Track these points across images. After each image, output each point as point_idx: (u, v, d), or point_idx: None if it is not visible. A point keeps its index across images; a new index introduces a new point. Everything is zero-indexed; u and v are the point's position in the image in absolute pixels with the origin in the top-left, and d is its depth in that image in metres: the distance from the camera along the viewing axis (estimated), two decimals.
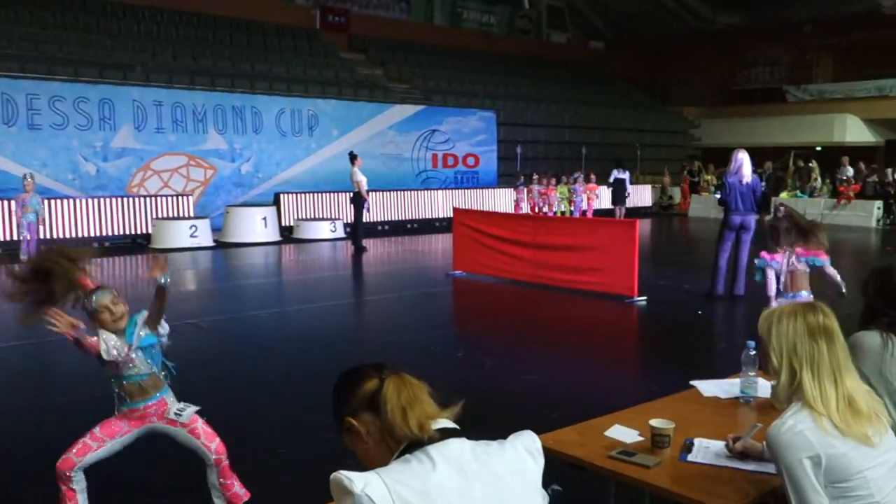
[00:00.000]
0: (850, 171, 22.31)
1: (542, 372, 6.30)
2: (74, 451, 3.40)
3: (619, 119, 29.65)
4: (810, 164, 25.10)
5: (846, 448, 2.07)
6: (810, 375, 2.12)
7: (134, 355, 3.37)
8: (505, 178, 24.40)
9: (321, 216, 17.75)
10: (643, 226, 19.76)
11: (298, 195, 18.19)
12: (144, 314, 3.45)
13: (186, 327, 7.91)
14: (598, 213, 21.04)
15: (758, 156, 19.58)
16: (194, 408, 3.53)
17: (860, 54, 29.93)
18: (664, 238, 18.65)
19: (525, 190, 20.46)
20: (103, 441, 3.42)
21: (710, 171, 26.15)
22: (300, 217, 17.45)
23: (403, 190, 20.32)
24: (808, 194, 22.59)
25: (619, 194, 21.03)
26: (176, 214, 16.16)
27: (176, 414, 3.47)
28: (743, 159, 9.44)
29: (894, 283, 2.65)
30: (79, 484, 3.42)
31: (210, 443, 3.50)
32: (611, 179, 21.22)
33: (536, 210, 20.24)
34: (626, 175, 21.27)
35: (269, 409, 5.44)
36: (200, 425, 3.52)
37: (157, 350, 3.48)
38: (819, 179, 22.92)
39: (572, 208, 20.66)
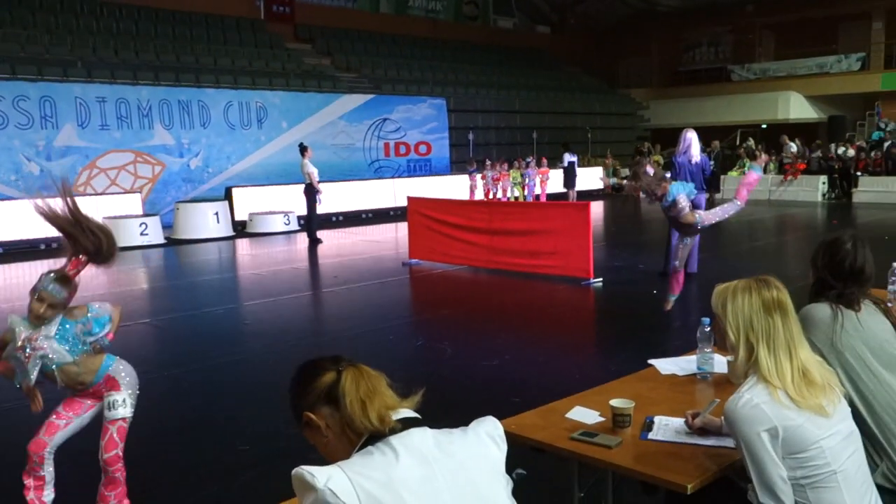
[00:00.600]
0: (794, 148, 22.81)
1: (503, 357, 6.33)
2: (43, 431, 3.43)
3: (568, 103, 29.84)
4: (747, 143, 25.62)
5: (802, 419, 2.11)
6: (766, 350, 2.15)
7: (45, 344, 3.30)
8: (458, 165, 24.37)
9: (274, 209, 17.54)
10: (596, 208, 19.98)
11: (250, 189, 17.95)
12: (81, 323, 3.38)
13: (140, 327, 7.76)
14: (551, 196, 21.18)
15: (706, 135, 19.93)
16: (123, 414, 3.44)
17: (801, 32, 30.56)
18: (618, 219, 18.86)
19: (478, 176, 20.49)
20: (70, 418, 3.46)
21: (657, 150, 26.49)
22: (253, 211, 17.22)
23: (356, 180, 20.19)
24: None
25: (570, 177, 21.20)
26: (125, 213, 15.82)
27: (108, 405, 3.41)
28: (692, 139, 9.57)
29: (841, 256, 2.70)
30: (48, 472, 3.41)
31: (107, 452, 3.43)
32: (564, 163, 21.38)
33: (490, 196, 20.28)
34: (574, 158, 21.44)
35: (227, 405, 5.36)
36: (114, 430, 3.44)
37: (76, 333, 3.38)
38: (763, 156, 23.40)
39: (525, 193, 20.75)
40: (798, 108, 30.08)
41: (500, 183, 20.56)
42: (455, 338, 7.04)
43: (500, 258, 10.41)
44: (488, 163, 20.77)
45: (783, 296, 2.21)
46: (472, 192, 20.35)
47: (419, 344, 6.91)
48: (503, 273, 10.35)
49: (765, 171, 22.82)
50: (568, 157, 21.20)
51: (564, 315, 8.02)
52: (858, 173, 21.05)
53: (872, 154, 21.54)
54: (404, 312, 8.43)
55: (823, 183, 21.46)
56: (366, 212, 19.58)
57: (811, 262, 2.75)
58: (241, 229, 16.71)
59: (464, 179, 21.22)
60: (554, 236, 9.78)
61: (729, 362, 3.02)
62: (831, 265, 2.69)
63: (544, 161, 21.51)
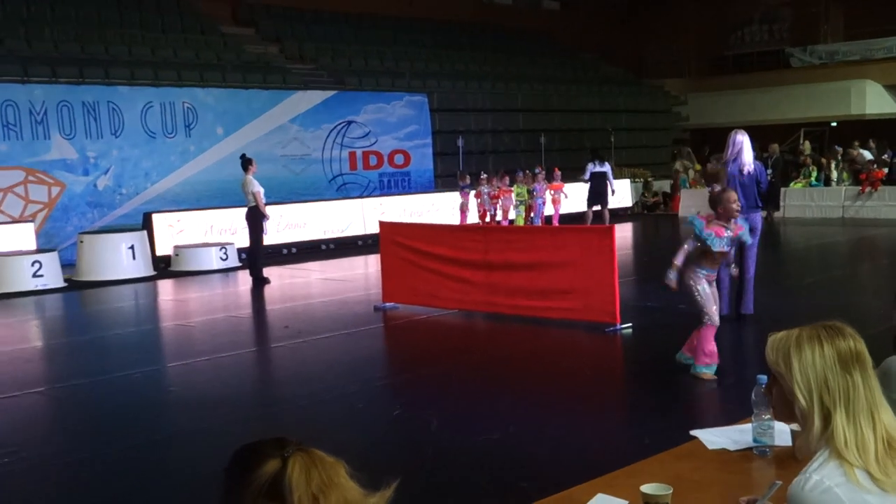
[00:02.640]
0: (868, 155, 23.09)
1: (506, 428, 6.32)
2: None
3: (584, 99, 30.18)
4: (801, 147, 25.89)
5: (884, 503, 2.11)
6: (844, 416, 2.15)
7: None
8: (445, 180, 24.46)
9: (208, 241, 17.53)
10: (623, 232, 20.13)
11: (176, 214, 17.96)
12: None
13: (32, 399, 7.69)
14: (565, 219, 21.29)
15: (760, 136, 20.15)
16: None
17: (879, 5, 31.02)
18: (650, 247, 18.94)
19: (471, 194, 20.59)
20: None
21: (704, 154, 26.72)
22: (180, 243, 17.20)
23: (314, 200, 20.25)
24: (825, 182, 23.26)
25: (597, 193, 21.06)
26: (12, 248, 15.76)
27: None
28: (742, 142, 9.68)
29: None
30: None
31: None
32: (586, 175, 21.33)
33: (487, 219, 20.37)
34: (606, 168, 21.30)
35: (146, 501, 5.31)
36: None
37: None
38: (834, 163, 23.65)
39: (533, 215, 20.86)
40: (876, 100, 30.50)
41: (500, 202, 20.67)
42: (443, 404, 7.02)
43: (500, 300, 10.42)
44: (484, 176, 20.90)
45: (861, 346, 2.21)
46: (463, 214, 20.45)
47: (397, 413, 6.89)
48: (505, 319, 10.35)
49: (837, 181, 23.06)
50: (593, 168, 21.15)
51: (583, 372, 8.03)
52: None
53: None
54: (377, 372, 8.40)
55: None
56: (326, 242, 19.60)
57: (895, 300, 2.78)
58: (163, 267, 16.68)
59: (453, 198, 21.31)
60: (570, 270, 9.82)
61: (794, 432, 3.02)
62: None
63: (557, 173, 21.65)
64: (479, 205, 20.54)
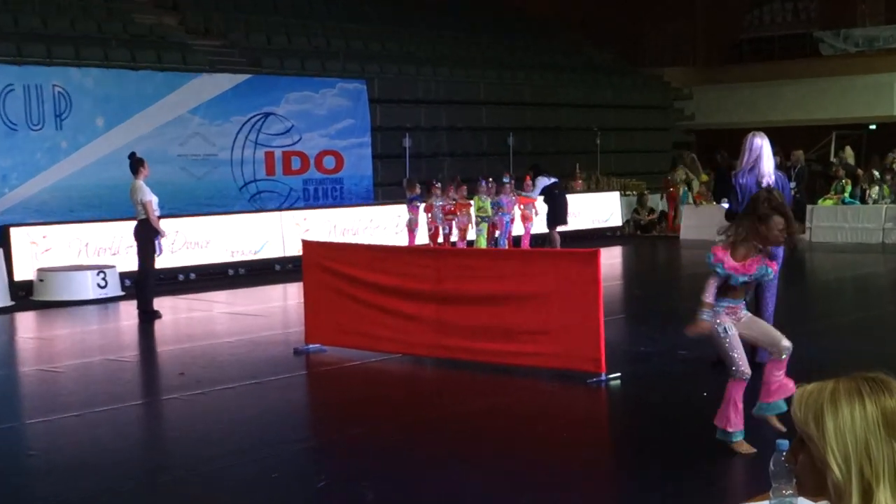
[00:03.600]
0: None
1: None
2: None
3: (564, 90, 30.42)
4: (841, 155, 26.27)
5: None
6: (889, 493, 2.14)
7: None
8: (387, 190, 24.44)
9: (81, 262, 17.31)
10: (610, 259, 20.25)
11: (41, 228, 17.72)
12: None
13: None
14: (538, 240, 21.36)
15: (783, 141, 20.37)
16: None
17: None
18: (645, 277, 19.05)
19: (421, 207, 20.58)
20: None
21: (722, 160, 26.93)
22: (45, 266, 16.97)
23: (220, 213, 20.13)
24: (861, 199, 23.62)
25: (559, 208, 21.18)
26: None
27: None
28: (762, 147, 9.77)
29: None
30: None
31: None
32: (536, 192, 21.16)
33: (440, 239, 20.36)
34: (552, 180, 21.31)
35: None
36: None
37: None
38: (875, 175, 24.03)
39: (498, 234, 20.89)
40: None
41: (457, 218, 20.67)
42: (382, 474, 6.97)
43: (454, 342, 10.39)
44: (437, 185, 20.90)
45: None
46: (411, 233, 20.41)
47: (321, 485, 6.84)
48: (460, 366, 10.32)
49: (877, 198, 23.41)
50: (546, 181, 21.25)
51: (559, 435, 8.02)
52: None
53: None
54: (297, 433, 8.35)
55: None
56: (235, 265, 19.47)
57: None
58: (23, 296, 16.44)
59: (397, 212, 21.29)
60: (544, 305, 9.81)
61: None
62: None
63: (528, 183, 21.72)
64: (431, 221, 20.52)
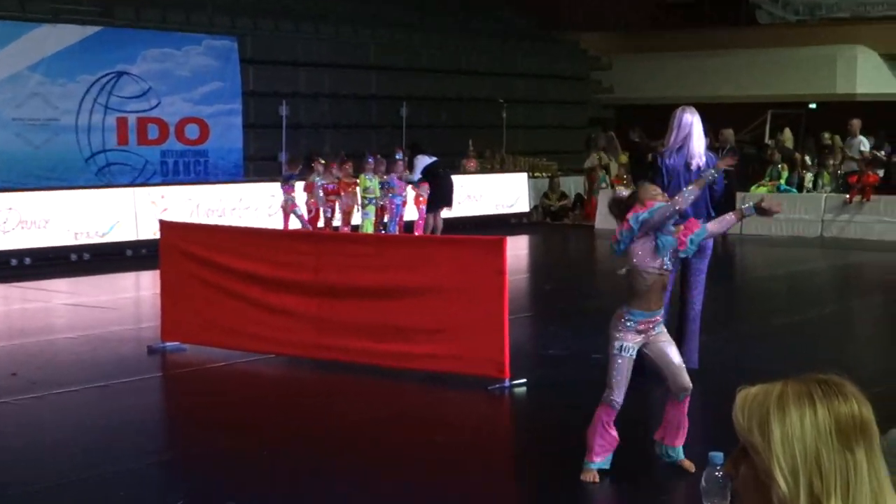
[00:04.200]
0: (866, 145, 23.96)
1: None
2: None
3: (466, 56, 30.47)
4: (778, 136, 26.70)
5: None
6: None
7: None
8: (259, 164, 24.27)
9: None
10: (517, 249, 20.34)
11: None
12: None
13: None
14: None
15: (712, 118, 20.50)
16: None
17: None
18: (555, 270, 19.19)
19: (299, 186, 20.44)
20: None
21: (636, 141, 27.23)
22: None
23: (62, 188, 19.82)
24: (798, 187, 24.05)
25: (442, 190, 21.18)
26: None
27: None
28: (692, 124, 9.86)
29: None
30: None
31: None
32: (416, 175, 21.10)
33: (321, 223, 20.26)
34: (431, 160, 21.31)
35: None
36: None
37: None
38: (807, 160, 24.48)
39: (387, 219, 20.86)
40: (871, 75, 31.65)
41: (341, 200, 20.59)
42: (249, 493, 6.93)
43: (336, 341, 10.35)
44: (320, 161, 20.79)
45: (867, 413, 2.22)
46: (286, 216, 20.28)
47: None
48: (343, 369, 10.30)
49: (813, 185, 23.86)
50: (426, 161, 21.24)
51: (455, 450, 8.04)
52: None
53: None
54: (151, 444, 8.27)
55: None
56: (79, 249, 19.17)
57: None
58: None
59: (271, 191, 21.15)
60: (439, 301, 9.83)
61: None
62: None
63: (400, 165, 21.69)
64: (310, 203, 20.42)
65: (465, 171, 26.18)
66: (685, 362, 9.91)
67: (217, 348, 11.00)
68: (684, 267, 9.85)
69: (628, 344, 7.01)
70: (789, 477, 2.18)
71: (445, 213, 21.35)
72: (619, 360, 7.01)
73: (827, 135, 25.33)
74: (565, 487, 7.12)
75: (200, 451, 8.07)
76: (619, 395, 7.01)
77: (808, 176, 24.05)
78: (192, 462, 7.81)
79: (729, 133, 22.64)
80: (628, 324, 7.03)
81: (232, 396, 9.71)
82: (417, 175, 21.12)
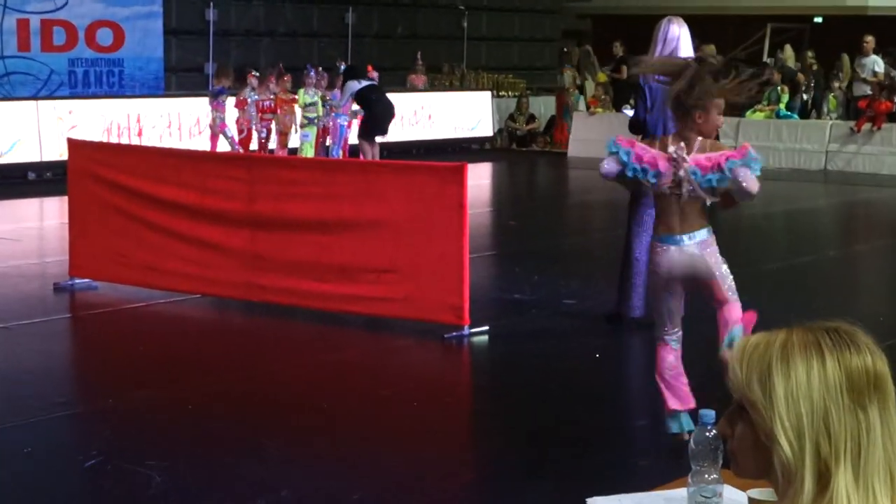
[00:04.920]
0: (881, 66, 23.98)
1: (276, 491, 6.33)
2: None
3: None
4: (778, 54, 26.66)
5: None
6: (851, 476, 2.18)
7: None
8: (183, 77, 24.08)
9: None
10: (478, 178, 20.33)
11: None
12: None
13: None
14: (383, 150, 21.32)
15: (704, 34, 20.42)
16: None
17: None
18: (522, 203, 19.21)
19: (230, 102, 20.33)
20: None
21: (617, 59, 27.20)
22: None
23: None
24: (799, 112, 24.11)
25: (379, 117, 20.81)
26: None
27: None
28: (679, 38, 9.86)
29: None
30: None
31: None
32: (344, 100, 20.80)
33: (254, 146, 20.16)
34: (367, 83, 20.89)
35: None
36: None
37: None
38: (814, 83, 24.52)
39: (330, 142, 20.78)
40: None
41: (277, 118, 20.48)
42: (172, 451, 6.94)
43: (272, 280, 10.34)
44: (254, 74, 20.67)
45: (882, 367, 2.24)
46: (214, 136, 20.19)
47: (91, 464, 6.77)
48: (280, 313, 10.33)
49: (816, 112, 23.90)
50: (357, 85, 20.97)
51: (407, 405, 8.07)
52: None
53: None
54: (59, 395, 8.24)
55: None
56: None
57: None
58: None
59: (197, 108, 21.03)
60: (390, 235, 9.82)
61: (753, 500, 3.11)
62: None
63: (372, 75, 21.59)
64: (243, 121, 20.32)
65: (413, 88, 26.05)
66: (634, 310, 10.06)
67: (133, 287, 10.98)
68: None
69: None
70: (793, 438, 2.19)
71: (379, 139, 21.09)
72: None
73: (870, 41, 25.00)
74: (529, 449, 7.18)
75: (115, 403, 8.04)
76: (676, 328, 6.99)
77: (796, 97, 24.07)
78: (106, 416, 7.78)
79: (709, 49, 22.44)
80: (664, 249, 6.90)
81: (150, 342, 9.69)
82: (345, 101, 20.77)
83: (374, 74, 21.40)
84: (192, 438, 7.27)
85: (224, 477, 6.59)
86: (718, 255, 6.87)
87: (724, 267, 6.89)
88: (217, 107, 20.15)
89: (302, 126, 20.63)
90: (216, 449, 7.08)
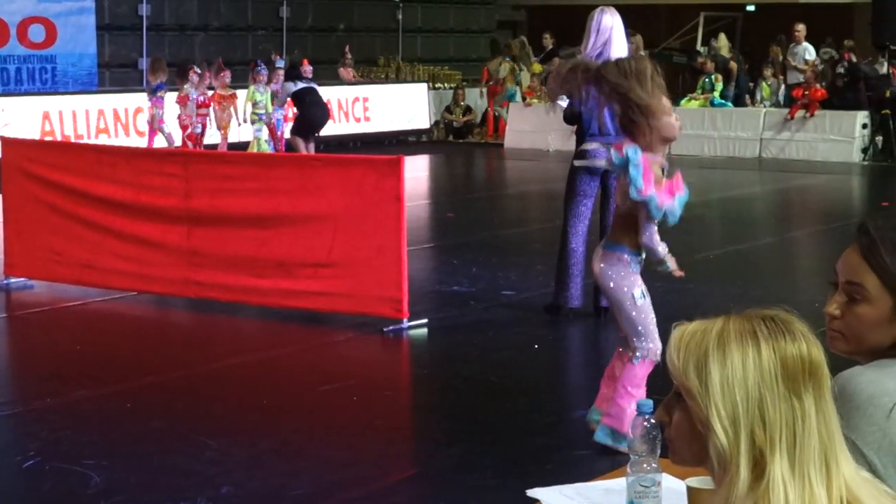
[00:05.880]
0: (812, 54, 24.15)
1: (215, 490, 6.31)
2: None
3: None
4: (712, 43, 26.77)
5: None
6: (787, 464, 2.19)
7: None
8: (117, 73, 23.94)
9: None
10: (416, 171, 20.32)
11: None
12: None
13: None
14: (320, 143, 21.25)
15: (638, 23, 20.41)
16: None
17: None
18: (460, 195, 19.21)
19: (167, 98, 20.20)
20: None
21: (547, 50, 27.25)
22: None
23: None
24: (734, 101, 24.22)
25: (312, 117, 20.70)
26: None
27: None
28: (612, 28, 9.87)
29: None
30: None
31: None
32: (280, 102, 20.70)
33: (195, 141, 20.04)
34: (304, 86, 20.76)
35: None
36: None
37: None
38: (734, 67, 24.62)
39: (267, 139, 20.66)
40: None
41: (216, 113, 20.32)
42: (111, 450, 6.91)
43: (210, 276, 10.31)
44: (195, 71, 20.53)
45: (818, 354, 2.27)
46: (153, 133, 20.05)
47: (28, 465, 6.72)
48: (218, 309, 10.31)
49: (749, 99, 24.06)
50: (294, 87, 20.87)
51: (346, 400, 8.06)
52: None
53: None
54: None
55: (864, 126, 22.92)
56: None
57: (873, 268, 2.86)
58: None
59: (132, 103, 20.91)
60: (328, 230, 9.80)
61: (691, 489, 3.12)
62: None
63: (306, 68, 21.43)
64: (185, 117, 20.18)
65: (342, 82, 25.98)
66: (571, 300, 10.08)
67: (70, 285, 10.94)
68: (607, 198, 9.94)
69: (641, 290, 6.66)
70: (728, 426, 2.21)
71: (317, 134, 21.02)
72: (639, 308, 6.59)
73: (802, 29, 25.09)
74: (469, 441, 7.19)
75: (52, 403, 7.98)
76: (657, 340, 6.50)
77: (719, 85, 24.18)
78: (43, 416, 7.73)
79: (638, 39, 22.36)
80: (631, 265, 6.68)
81: (87, 341, 9.65)
82: (282, 100, 20.66)
83: (309, 69, 21.25)
84: (130, 437, 7.22)
85: (164, 475, 6.56)
86: (620, 279, 6.60)
87: (628, 293, 6.59)
88: (156, 103, 20.04)
89: (252, 122, 20.48)
90: (155, 447, 7.02)
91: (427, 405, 8.23)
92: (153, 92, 19.98)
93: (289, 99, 20.53)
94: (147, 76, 20.63)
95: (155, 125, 19.79)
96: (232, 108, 20.44)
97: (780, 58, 24.90)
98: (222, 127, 20.38)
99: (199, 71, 20.31)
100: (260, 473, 6.60)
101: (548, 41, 27.20)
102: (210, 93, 20.38)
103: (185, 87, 20.03)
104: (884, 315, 2.85)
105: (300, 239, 9.95)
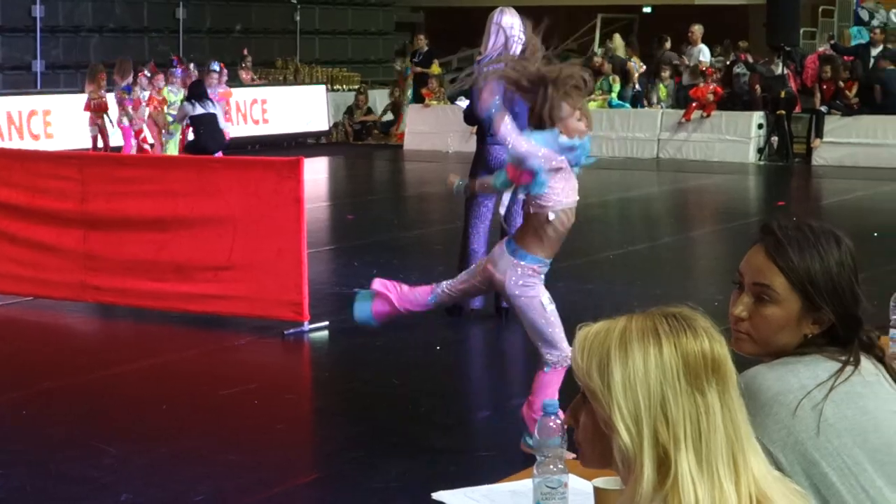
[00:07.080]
0: (707, 55, 24.38)
1: (115, 498, 6.25)
2: None
3: None
4: (608, 44, 26.97)
5: None
6: (693, 460, 2.19)
7: None
8: (10, 76, 23.74)
9: None
10: (315, 173, 20.28)
11: None
12: None
13: None
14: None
15: (534, 23, 20.38)
16: None
17: None
18: (360, 196, 19.19)
19: (110, 98, 20.10)
20: None
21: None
22: None
23: None
24: (632, 102, 24.39)
25: (206, 138, 20.46)
26: None
27: None
28: (512, 27, 9.88)
29: (846, 268, 2.89)
30: None
31: None
32: (186, 111, 20.48)
33: (146, 146, 20.03)
34: (216, 109, 20.48)
35: None
36: None
37: None
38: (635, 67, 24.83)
39: (163, 138, 20.58)
40: None
41: (148, 113, 20.17)
42: (7, 459, 6.83)
43: (107, 281, 10.20)
44: (144, 74, 20.37)
45: (720, 350, 2.27)
46: (128, 134, 19.95)
47: None
48: (116, 314, 10.26)
49: (646, 101, 24.23)
50: (192, 110, 20.50)
51: (246, 405, 8.02)
52: (823, 109, 22.85)
53: (846, 73, 23.39)
54: None
55: (760, 126, 23.26)
56: None
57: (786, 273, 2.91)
58: None
59: (28, 106, 20.76)
60: (226, 232, 9.73)
61: (598, 490, 3.12)
62: (832, 284, 2.89)
63: (222, 72, 21.31)
64: (137, 120, 20.13)
65: (240, 84, 25.84)
66: (473, 301, 10.10)
67: None
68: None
69: (545, 297, 6.48)
70: (631, 425, 2.20)
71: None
72: (545, 314, 6.43)
73: (698, 30, 25.23)
74: (372, 444, 7.17)
75: None
76: (566, 346, 6.24)
77: (616, 88, 24.34)
78: None
79: (536, 40, 22.42)
80: (532, 271, 6.45)
81: None
82: (182, 120, 20.40)
83: (215, 80, 20.83)
84: (27, 445, 7.12)
85: (62, 483, 6.49)
86: (526, 287, 6.43)
87: (536, 301, 6.44)
88: (128, 104, 19.95)
89: (170, 124, 20.36)
90: (53, 454, 6.94)
91: (329, 408, 8.20)
92: (127, 93, 19.87)
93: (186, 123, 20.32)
94: (114, 76, 20.36)
95: (135, 126, 19.76)
96: (164, 112, 20.37)
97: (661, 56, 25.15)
98: (158, 129, 20.24)
99: (150, 74, 20.23)
100: (160, 479, 6.55)
101: (421, 42, 27.28)
102: (144, 95, 20.33)
103: (136, 89, 19.98)
104: (792, 316, 2.90)
105: (199, 242, 9.87)
